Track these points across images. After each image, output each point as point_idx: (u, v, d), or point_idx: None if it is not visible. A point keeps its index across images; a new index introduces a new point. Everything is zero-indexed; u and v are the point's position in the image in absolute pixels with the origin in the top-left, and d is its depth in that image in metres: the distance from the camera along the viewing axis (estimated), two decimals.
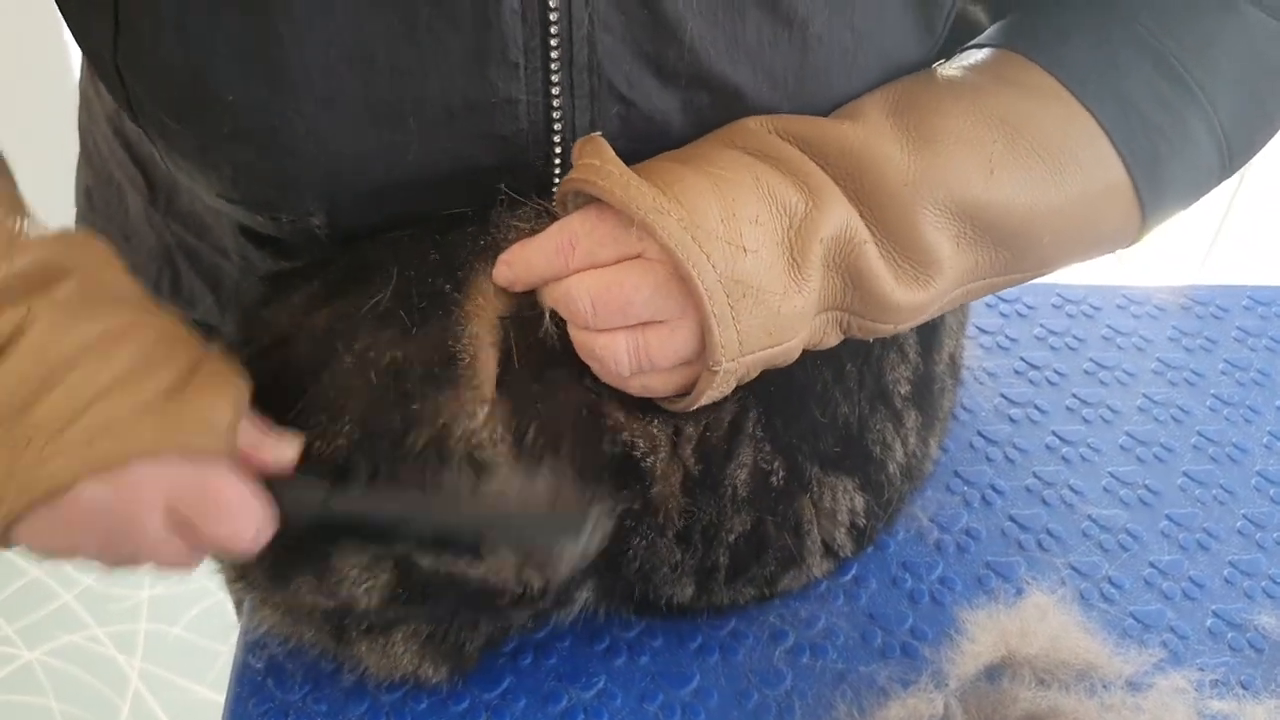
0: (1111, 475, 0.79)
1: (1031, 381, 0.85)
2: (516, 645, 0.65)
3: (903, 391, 0.66)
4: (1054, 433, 0.81)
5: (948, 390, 0.74)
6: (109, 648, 1.55)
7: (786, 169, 0.54)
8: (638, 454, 0.57)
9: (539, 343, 0.55)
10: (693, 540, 0.61)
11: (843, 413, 0.63)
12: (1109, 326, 0.91)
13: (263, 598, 0.60)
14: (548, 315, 0.55)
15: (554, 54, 0.53)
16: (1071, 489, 0.77)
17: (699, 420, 0.59)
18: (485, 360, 0.54)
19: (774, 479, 0.62)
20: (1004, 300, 0.92)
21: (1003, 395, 0.84)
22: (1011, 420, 0.82)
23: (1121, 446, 0.81)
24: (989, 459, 0.79)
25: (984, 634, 0.63)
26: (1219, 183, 0.63)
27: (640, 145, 0.56)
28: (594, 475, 0.56)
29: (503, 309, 0.56)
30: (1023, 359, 0.87)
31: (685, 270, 0.50)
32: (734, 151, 0.55)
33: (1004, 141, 0.57)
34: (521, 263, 0.54)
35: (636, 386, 0.55)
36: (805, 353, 0.60)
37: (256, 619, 0.62)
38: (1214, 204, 2.13)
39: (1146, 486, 0.78)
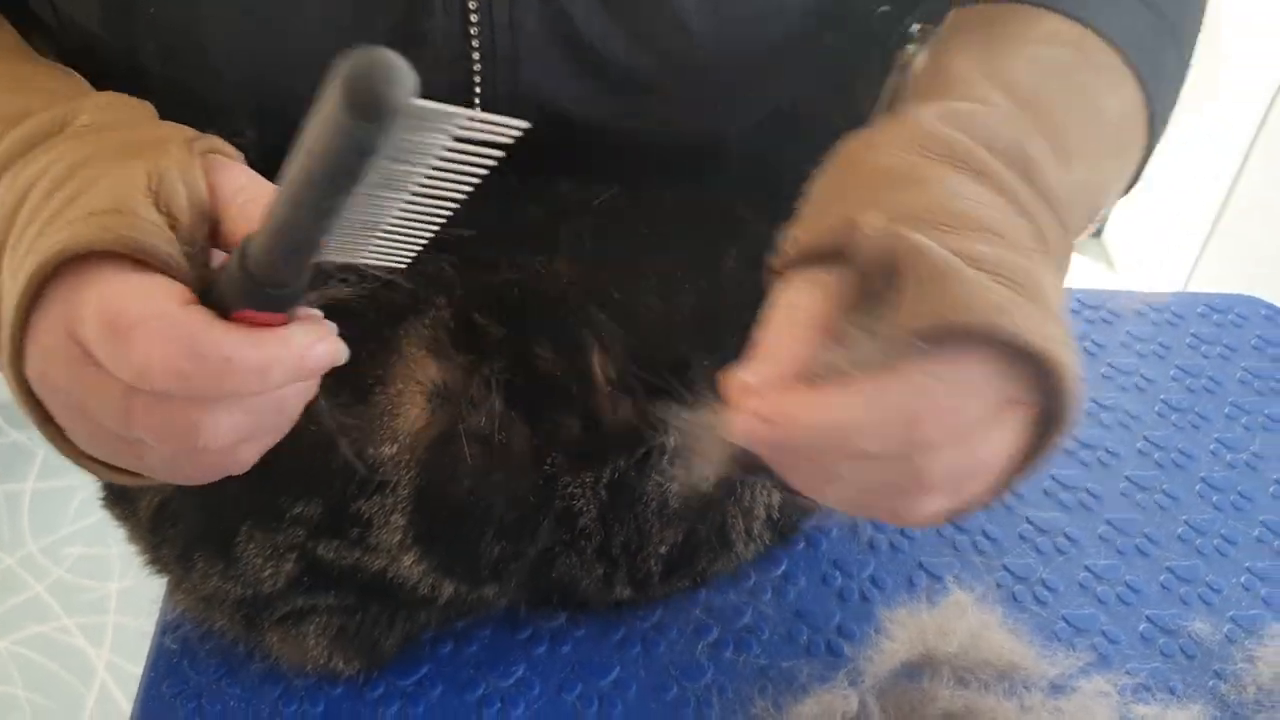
0: (1053, 479, 0.78)
1: None
2: (437, 632, 0.65)
3: None
4: None
5: None
6: (78, 638, 1.55)
7: (1009, 199, 0.45)
8: (577, 505, 0.58)
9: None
10: (613, 555, 0.60)
11: None
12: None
13: (175, 581, 0.60)
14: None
15: None
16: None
17: (617, 457, 0.58)
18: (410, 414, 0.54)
19: (705, 486, 0.61)
20: None
21: None
22: None
23: (1065, 449, 0.80)
24: None
25: (902, 631, 0.63)
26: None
27: (564, 48, 0.56)
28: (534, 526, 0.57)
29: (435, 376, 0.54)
30: None
31: (1069, 415, 0.41)
32: (953, 173, 0.45)
33: (1093, 126, 0.51)
34: (828, 425, 0.39)
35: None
36: (734, 349, 0.60)
37: (172, 602, 0.62)
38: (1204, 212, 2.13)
39: (1088, 490, 0.77)
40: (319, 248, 0.35)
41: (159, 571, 0.60)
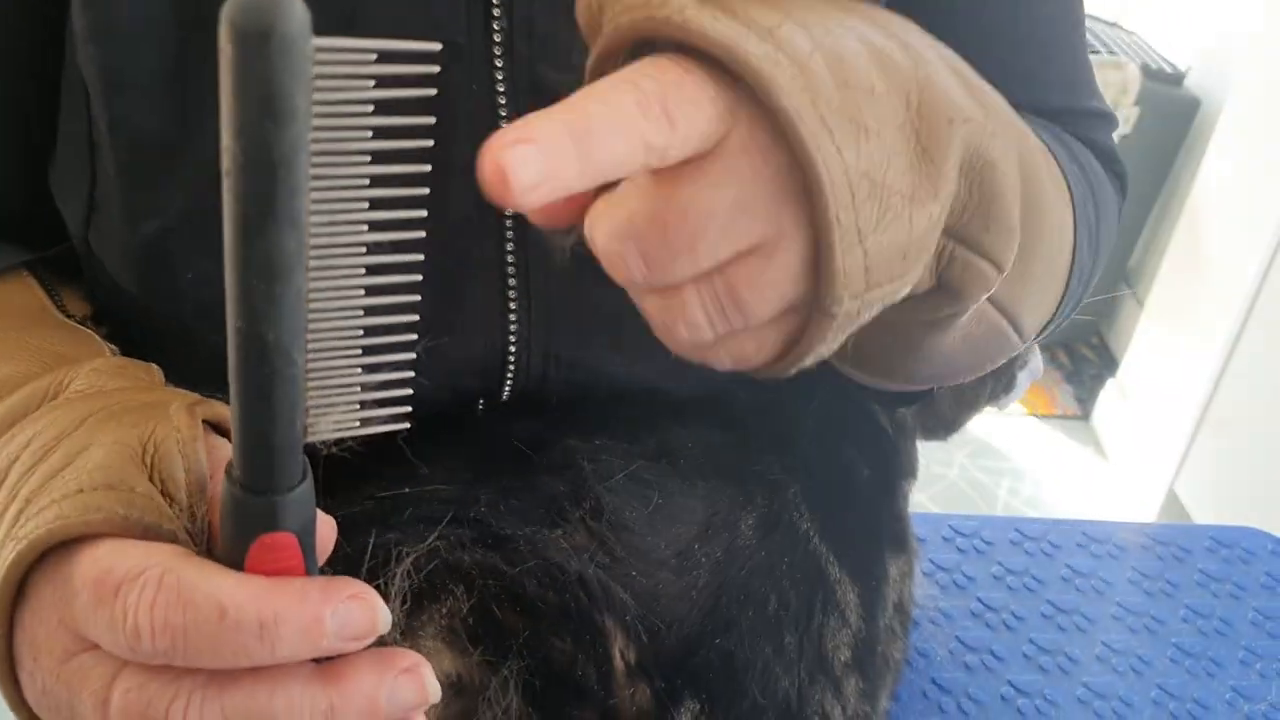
0: None
1: (988, 625, 0.84)
2: None
3: (843, 658, 0.64)
4: (1010, 682, 0.79)
5: (897, 639, 0.72)
6: None
7: (876, 20, 0.38)
8: None
9: None
10: None
11: (782, 687, 0.61)
12: (1068, 566, 0.89)
13: None
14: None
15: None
16: None
17: None
18: None
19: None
20: (960, 534, 0.91)
21: (958, 639, 0.82)
22: (966, 667, 0.80)
23: (1079, 699, 0.78)
24: (941, 709, 0.77)
25: None
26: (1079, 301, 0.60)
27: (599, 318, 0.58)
28: None
29: None
30: (979, 599, 0.86)
31: (807, 154, 0.32)
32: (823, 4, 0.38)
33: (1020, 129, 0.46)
34: (568, 128, 0.30)
35: (724, 358, 0.38)
36: (746, 626, 0.59)
37: None
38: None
39: None
40: (297, 373, 0.31)
41: None
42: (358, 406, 0.34)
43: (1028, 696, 0.78)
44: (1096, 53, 2.55)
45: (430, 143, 0.31)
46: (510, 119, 0.53)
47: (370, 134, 0.30)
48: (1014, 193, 0.40)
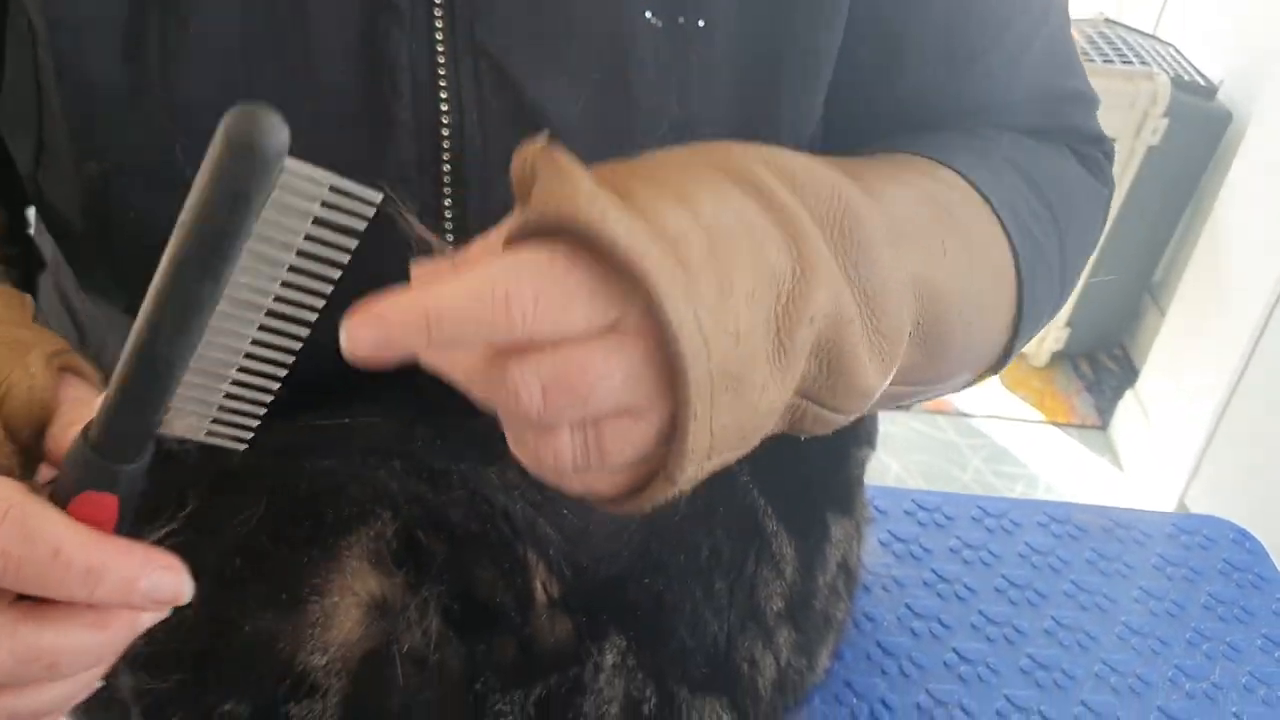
0: (1007, 698, 0.78)
1: (939, 595, 0.85)
2: None
3: (775, 608, 0.66)
4: (955, 649, 0.81)
5: (840, 600, 0.74)
6: None
7: (776, 217, 0.43)
8: None
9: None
10: None
11: (711, 632, 0.63)
12: (1026, 544, 0.91)
13: None
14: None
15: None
16: (964, 709, 0.77)
17: (550, 676, 0.57)
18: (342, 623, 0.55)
19: (646, 707, 0.62)
20: (923, 509, 0.93)
21: (907, 606, 0.84)
22: (913, 633, 0.82)
23: (1022, 669, 0.80)
24: (884, 671, 0.79)
25: None
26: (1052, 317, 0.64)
27: None
28: None
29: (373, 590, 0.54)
30: (933, 570, 0.87)
31: (679, 359, 0.38)
32: (720, 179, 0.43)
33: (943, 224, 0.53)
34: (422, 312, 0.36)
35: (579, 487, 0.43)
36: (676, 569, 0.61)
37: None
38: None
39: (1041, 713, 0.77)
40: (173, 383, 0.37)
41: None
42: (209, 422, 0.40)
43: (970, 664, 0.80)
44: (1129, 63, 2.54)
45: (345, 261, 0.36)
46: (449, 81, 0.55)
47: (302, 236, 0.35)
48: (863, 364, 0.45)
